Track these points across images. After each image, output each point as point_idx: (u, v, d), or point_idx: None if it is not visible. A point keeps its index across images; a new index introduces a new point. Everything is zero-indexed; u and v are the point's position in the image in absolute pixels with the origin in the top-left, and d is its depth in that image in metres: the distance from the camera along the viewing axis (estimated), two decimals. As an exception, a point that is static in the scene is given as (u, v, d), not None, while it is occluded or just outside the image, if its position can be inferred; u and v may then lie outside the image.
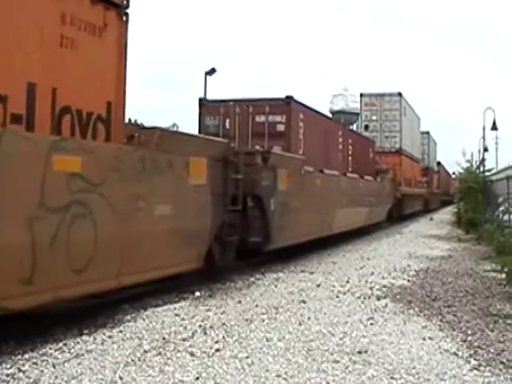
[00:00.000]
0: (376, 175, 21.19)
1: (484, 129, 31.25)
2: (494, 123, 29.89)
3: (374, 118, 27.39)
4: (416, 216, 31.90)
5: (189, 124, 17.40)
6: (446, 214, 38.62)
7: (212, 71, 24.42)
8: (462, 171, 23.74)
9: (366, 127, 27.20)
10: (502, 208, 16.57)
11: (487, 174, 23.48)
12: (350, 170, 17.16)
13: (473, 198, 21.37)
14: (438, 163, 48.51)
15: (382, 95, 27.65)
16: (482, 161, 26.92)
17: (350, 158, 17.38)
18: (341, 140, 16.52)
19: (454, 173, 32.34)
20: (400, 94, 27.65)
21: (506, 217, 15.53)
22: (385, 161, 24.80)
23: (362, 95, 28.03)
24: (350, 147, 17.39)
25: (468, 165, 23.20)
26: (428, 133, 41.34)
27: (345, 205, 15.87)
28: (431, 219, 31.70)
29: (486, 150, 31.95)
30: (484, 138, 32.13)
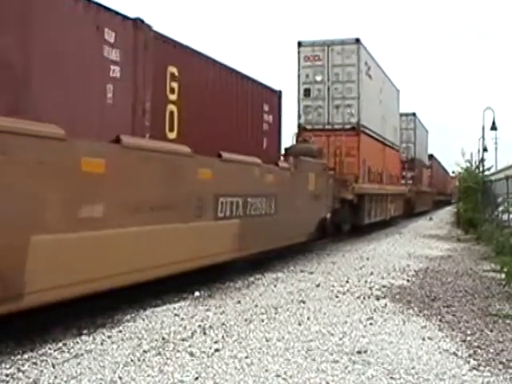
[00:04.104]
0: (285, 158, 12.41)
1: (483, 129, 31.43)
2: (494, 123, 30.00)
3: (319, 78, 17.90)
4: (394, 224, 24.75)
5: None
6: (446, 214, 38.68)
7: None
8: (461, 171, 23.74)
9: (307, 92, 18.02)
10: (501, 208, 16.58)
11: (487, 173, 23.50)
12: (169, 137, 7.84)
13: (472, 198, 21.37)
14: (431, 156, 41.26)
15: (331, 44, 17.89)
16: (482, 160, 26.94)
17: (171, 107, 7.91)
18: (120, 58, 6.82)
19: (453, 172, 31.85)
20: (358, 41, 17.83)
21: (505, 217, 15.55)
22: (334, 143, 17.09)
23: (299, 44, 18.09)
24: (176, 85, 8.02)
25: (467, 164, 23.21)
26: (414, 114, 32.53)
27: (109, 220, 6.17)
28: (430, 219, 31.77)
29: (485, 149, 32.11)
30: (483, 137, 32.29)
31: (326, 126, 17.64)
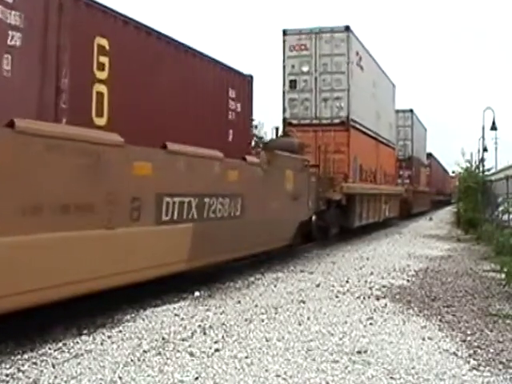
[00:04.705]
0: (257, 153, 10.95)
1: (483, 129, 31.44)
2: (494, 123, 30.00)
3: (306, 69, 16.55)
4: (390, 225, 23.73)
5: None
6: (446, 214, 38.68)
7: None
8: (461, 171, 23.73)
9: (292, 84, 16.58)
10: (501, 208, 16.59)
11: (487, 173, 23.50)
12: (97, 123, 6.48)
13: (472, 198, 21.37)
14: (429, 155, 40.06)
15: (319, 32, 16.54)
16: (482, 160, 26.95)
17: (100, 87, 6.52)
18: (23, 23, 5.44)
19: (453, 172, 31.75)
20: (348, 29, 16.55)
21: (505, 217, 15.55)
22: (322, 138, 15.73)
23: (285, 33, 16.71)
24: (106, 61, 6.62)
25: (467, 164, 23.21)
26: (411, 111, 31.06)
27: None
28: (430, 219, 31.78)
29: (485, 149, 32.12)
30: (483, 137, 32.31)
31: (314, 121, 16.37)
